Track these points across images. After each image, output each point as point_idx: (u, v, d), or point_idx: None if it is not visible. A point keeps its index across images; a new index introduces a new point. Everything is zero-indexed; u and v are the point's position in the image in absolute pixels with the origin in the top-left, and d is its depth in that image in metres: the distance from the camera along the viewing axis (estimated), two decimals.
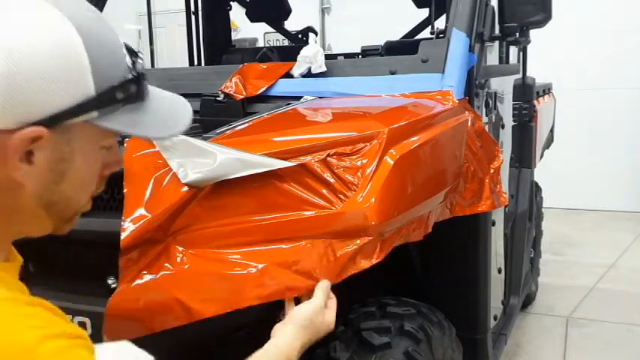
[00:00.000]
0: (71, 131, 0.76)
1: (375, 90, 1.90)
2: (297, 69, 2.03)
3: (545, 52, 4.57)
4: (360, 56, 2.95)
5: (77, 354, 0.70)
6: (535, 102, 3.19)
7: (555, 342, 3.34)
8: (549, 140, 4.01)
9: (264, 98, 2.00)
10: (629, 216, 5.79)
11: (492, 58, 2.29)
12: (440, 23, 2.54)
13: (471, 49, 1.87)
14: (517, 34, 2.07)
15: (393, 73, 1.92)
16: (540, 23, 2.01)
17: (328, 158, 1.31)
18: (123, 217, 1.19)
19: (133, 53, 0.82)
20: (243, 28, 4.88)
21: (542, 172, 3.71)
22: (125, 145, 1.28)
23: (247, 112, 1.93)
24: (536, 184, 3.59)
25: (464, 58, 1.86)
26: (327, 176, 1.29)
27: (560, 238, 4.98)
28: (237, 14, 3.58)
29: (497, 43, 2.30)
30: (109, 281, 1.25)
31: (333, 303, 1.21)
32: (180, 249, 1.21)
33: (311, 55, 2.01)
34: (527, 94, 3.00)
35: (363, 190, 1.28)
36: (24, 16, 0.72)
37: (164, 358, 0.85)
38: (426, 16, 3.22)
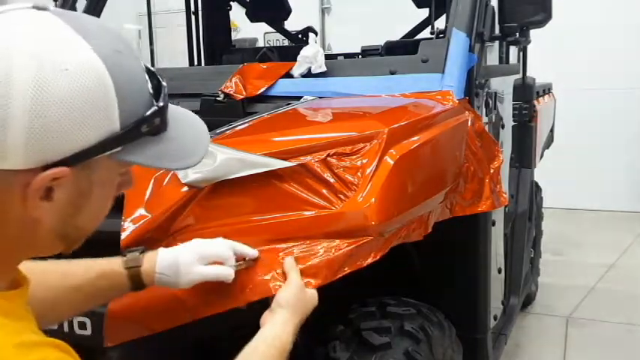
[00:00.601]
0: (92, 167, 0.74)
1: (375, 90, 1.90)
2: (297, 69, 2.03)
3: (545, 52, 4.56)
4: (360, 56, 2.96)
5: None
6: (535, 102, 3.19)
7: (555, 342, 3.34)
8: (549, 140, 4.01)
9: (264, 98, 1.99)
10: (629, 216, 5.78)
11: (492, 58, 2.29)
12: (440, 23, 2.54)
13: (471, 49, 1.87)
14: (517, 34, 2.07)
15: (393, 73, 1.92)
16: (540, 23, 2.01)
17: (328, 158, 1.31)
18: (123, 217, 1.19)
19: (152, 75, 0.79)
20: (243, 28, 4.87)
21: (542, 172, 3.71)
22: None
23: (247, 112, 1.93)
24: (536, 184, 3.59)
25: (464, 58, 1.86)
26: (327, 176, 1.29)
27: (560, 238, 4.96)
28: (237, 14, 3.58)
29: (497, 43, 2.30)
30: None
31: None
32: None
33: (311, 55, 2.01)
34: (527, 94, 2.99)
35: (363, 190, 1.28)
36: (54, 55, 0.68)
37: (164, 358, 0.85)
38: (426, 16, 3.21)
